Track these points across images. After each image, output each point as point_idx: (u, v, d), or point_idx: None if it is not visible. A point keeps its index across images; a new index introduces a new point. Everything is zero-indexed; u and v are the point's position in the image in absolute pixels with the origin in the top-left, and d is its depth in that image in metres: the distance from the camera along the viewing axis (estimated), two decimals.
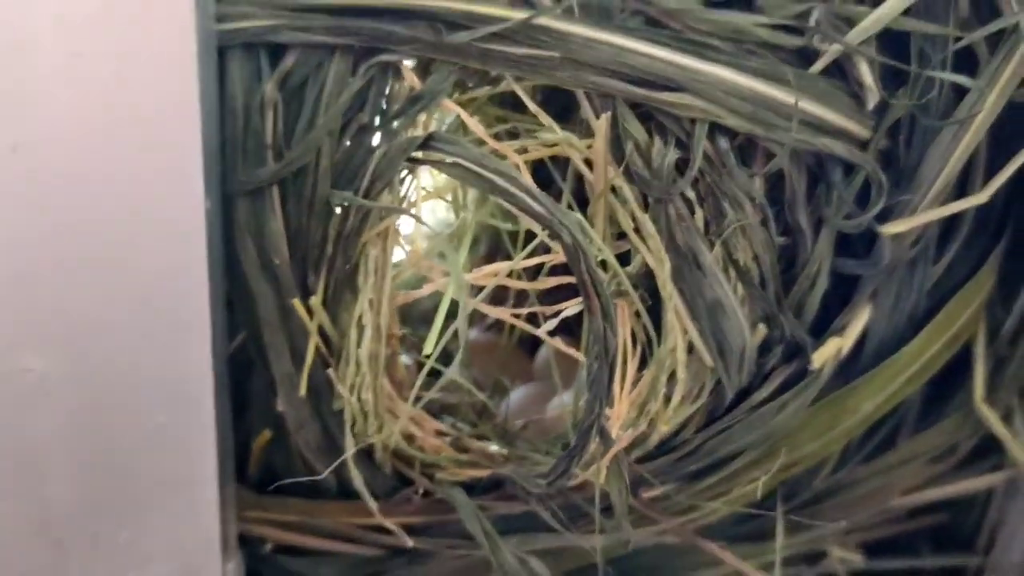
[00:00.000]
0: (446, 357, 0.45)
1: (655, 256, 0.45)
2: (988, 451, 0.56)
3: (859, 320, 0.50)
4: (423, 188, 0.46)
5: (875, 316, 0.50)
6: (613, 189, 0.44)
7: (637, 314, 0.46)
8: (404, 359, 0.53)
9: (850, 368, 0.51)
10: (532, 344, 0.67)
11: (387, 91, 0.44)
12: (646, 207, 0.45)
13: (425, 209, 0.48)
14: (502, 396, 0.57)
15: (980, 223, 0.51)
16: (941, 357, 0.52)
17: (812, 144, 0.45)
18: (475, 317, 0.66)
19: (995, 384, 0.53)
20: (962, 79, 0.45)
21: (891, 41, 0.47)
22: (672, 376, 0.47)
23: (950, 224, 0.50)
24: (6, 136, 0.37)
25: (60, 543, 0.41)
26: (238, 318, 0.46)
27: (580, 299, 0.44)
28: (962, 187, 0.49)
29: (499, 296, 0.56)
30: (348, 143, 0.43)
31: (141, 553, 0.42)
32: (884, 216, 0.48)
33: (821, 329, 0.50)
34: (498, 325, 0.67)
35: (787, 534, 0.54)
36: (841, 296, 0.50)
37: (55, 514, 0.41)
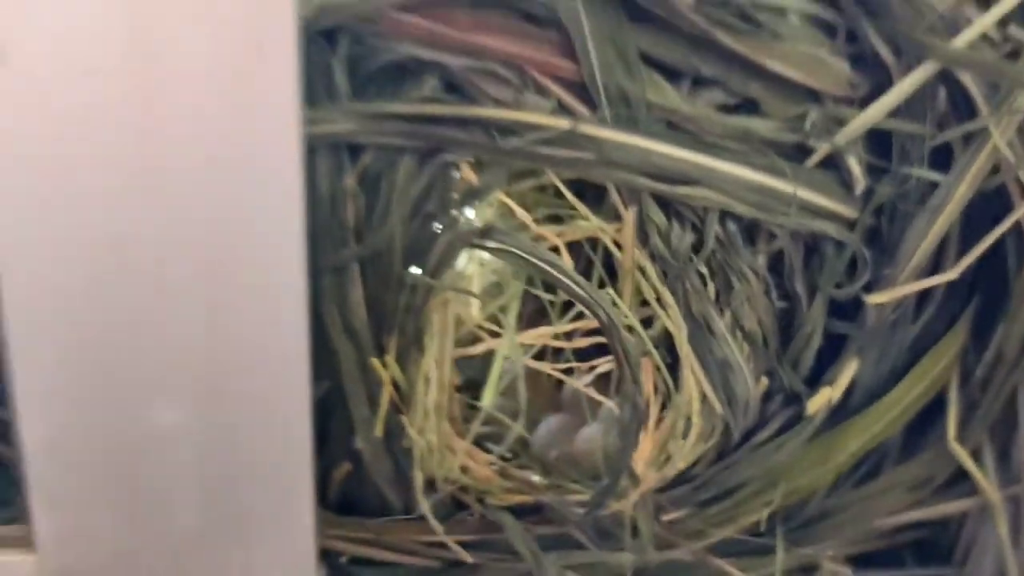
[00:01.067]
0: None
1: (674, 322, 0.53)
2: (962, 480, 0.65)
3: (847, 372, 0.58)
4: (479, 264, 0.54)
5: (861, 369, 0.58)
6: (640, 267, 0.53)
7: (658, 369, 0.55)
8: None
9: (840, 412, 0.59)
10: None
11: (449, 185, 0.52)
12: (666, 280, 0.53)
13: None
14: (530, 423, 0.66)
15: (953, 290, 0.59)
16: (918, 402, 0.60)
17: (808, 227, 0.54)
18: None
19: (966, 424, 0.62)
20: (933, 175, 0.53)
21: (878, 135, 0.55)
22: (688, 421, 0.56)
23: (926, 292, 0.59)
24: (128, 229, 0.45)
25: (185, 563, 0.50)
26: (321, 370, 0.55)
27: (608, 357, 0.52)
28: (937, 260, 0.58)
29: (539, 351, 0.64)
30: (417, 228, 0.52)
31: (251, 572, 0.51)
32: (871, 285, 0.56)
33: (815, 379, 0.59)
34: None
35: (785, 551, 0.63)
36: (833, 350, 0.59)
37: (181, 539, 0.50)
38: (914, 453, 0.63)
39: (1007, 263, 0.58)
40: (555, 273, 0.49)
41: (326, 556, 0.58)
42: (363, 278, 0.53)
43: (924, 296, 0.59)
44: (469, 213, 0.52)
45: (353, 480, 0.57)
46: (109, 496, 0.49)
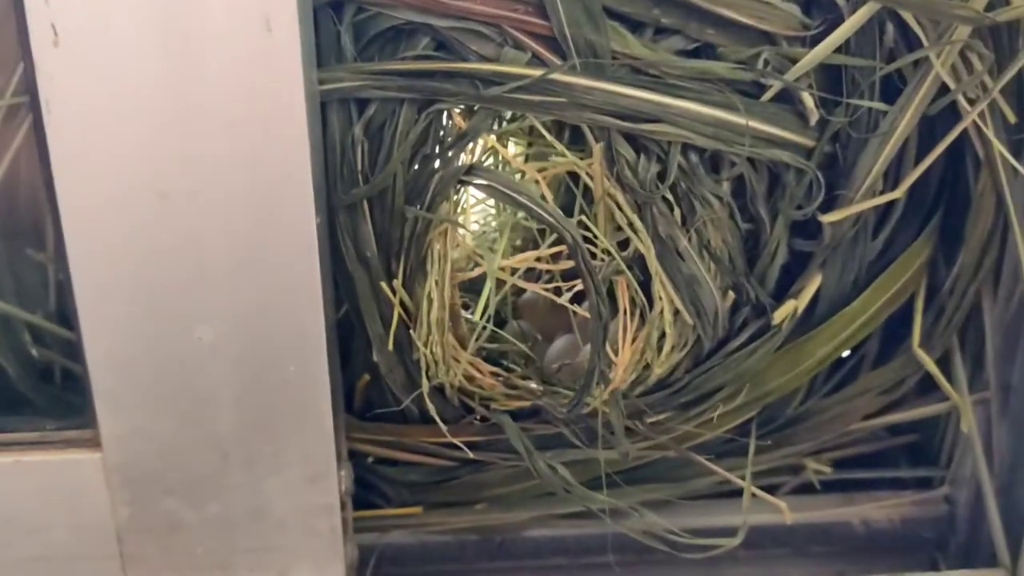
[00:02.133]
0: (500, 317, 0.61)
1: (644, 243, 0.60)
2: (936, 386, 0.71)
3: (812, 285, 0.64)
4: (474, 198, 0.62)
5: (825, 282, 0.64)
6: (611, 196, 0.60)
7: (634, 288, 0.62)
8: (467, 316, 0.69)
9: (807, 323, 0.66)
10: (576, 302, 0.82)
11: (443, 130, 0.59)
12: (637, 208, 0.60)
13: (477, 212, 0.64)
14: (543, 346, 0.74)
15: (915, 204, 0.64)
16: (883, 312, 0.66)
17: (763, 155, 0.60)
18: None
19: (934, 331, 0.67)
20: (879, 105, 0.59)
21: (831, 69, 0.60)
22: (662, 332, 0.63)
23: (886, 211, 0.64)
24: (183, 183, 0.54)
25: (226, 455, 0.60)
26: (342, 295, 0.63)
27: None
28: (896, 178, 0.63)
29: (535, 275, 0.72)
30: (416, 169, 0.60)
31: (281, 462, 0.60)
32: (829, 206, 0.62)
33: (782, 293, 0.65)
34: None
35: (768, 451, 0.70)
36: (799, 267, 0.65)
37: (222, 436, 0.59)
38: (886, 359, 0.69)
39: (967, 180, 0.63)
40: (526, 202, 0.56)
41: (354, 457, 0.67)
42: (372, 214, 0.61)
43: (884, 215, 0.64)
44: (460, 154, 0.59)
45: (374, 389, 0.66)
46: (162, 402, 0.58)
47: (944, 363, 0.69)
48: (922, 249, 0.65)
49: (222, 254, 0.56)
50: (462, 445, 0.65)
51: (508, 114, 0.61)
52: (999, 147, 0.60)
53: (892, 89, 0.60)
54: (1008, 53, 0.59)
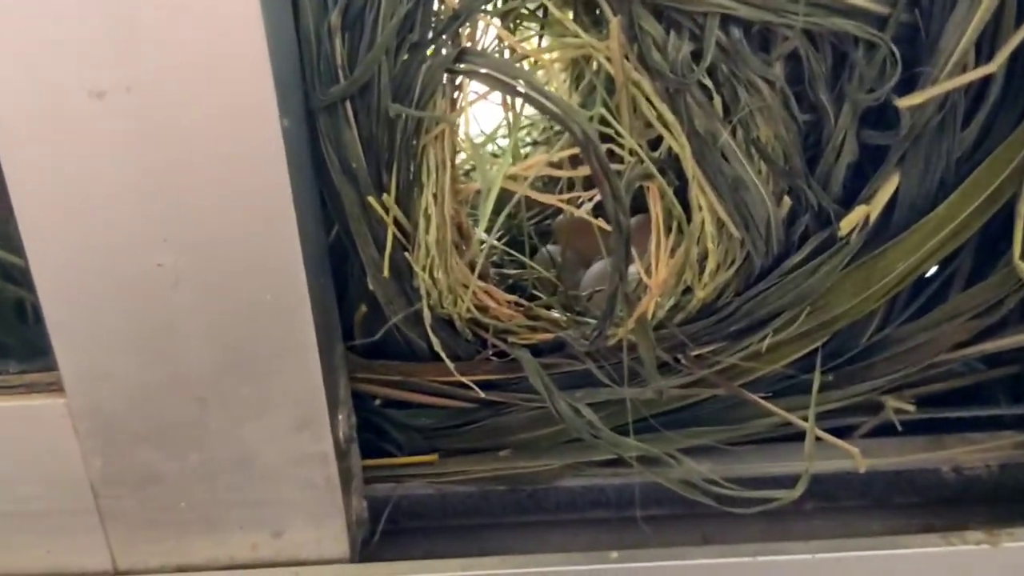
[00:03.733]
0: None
1: (678, 141, 0.50)
2: None
3: (888, 187, 0.53)
4: (474, 92, 0.52)
5: (904, 183, 0.53)
6: (636, 84, 0.50)
7: (665, 195, 0.52)
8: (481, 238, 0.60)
9: (882, 234, 0.54)
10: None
11: (430, 12, 0.50)
12: (668, 98, 0.50)
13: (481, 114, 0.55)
14: (575, 271, 0.64)
15: (1016, 85, 0.52)
16: (976, 218, 0.54)
17: (823, 25, 0.49)
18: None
19: None
20: None
21: None
22: (703, 247, 0.53)
23: (980, 91, 0.52)
24: (121, 79, 0.46)
25: (203, 399, 0.53)
26: (331, 214, 0.55)
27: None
28: (991, 52, 0.51)
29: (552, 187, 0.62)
30: (405, 60, 0.51)
31: (262, 405, 0.53)
32: (908, 88, 0.51)
33: (851, 199, 0.54)
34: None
35: (838, 388, 0.59)
36: (873, 165, 0.54)
37: (195, 377, 0.52)
38: (981, 276, 0.57)
39: None
40: (523, 90, 0.47)
41: (359, 398, 0.60)
42: (356, 117, 0.52)
43: (977, 96, 0.52)
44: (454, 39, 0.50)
45: (374, 322, 0.58)
46: (123, 338, 0.51)
47: None
48: (1022, 140, 0.53)
49: (175, 165, 0.48)
50: (472, 384, 0.56)
51: None
52: None
53: None
54: None
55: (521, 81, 0.47)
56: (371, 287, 0.55)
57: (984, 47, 0.51)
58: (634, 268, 0.65)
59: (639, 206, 0.55)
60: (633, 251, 0.65)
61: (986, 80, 0.52)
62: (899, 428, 0.61)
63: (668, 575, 0.56)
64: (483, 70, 0.47)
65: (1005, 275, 0.57)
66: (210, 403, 0.53)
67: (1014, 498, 0.63)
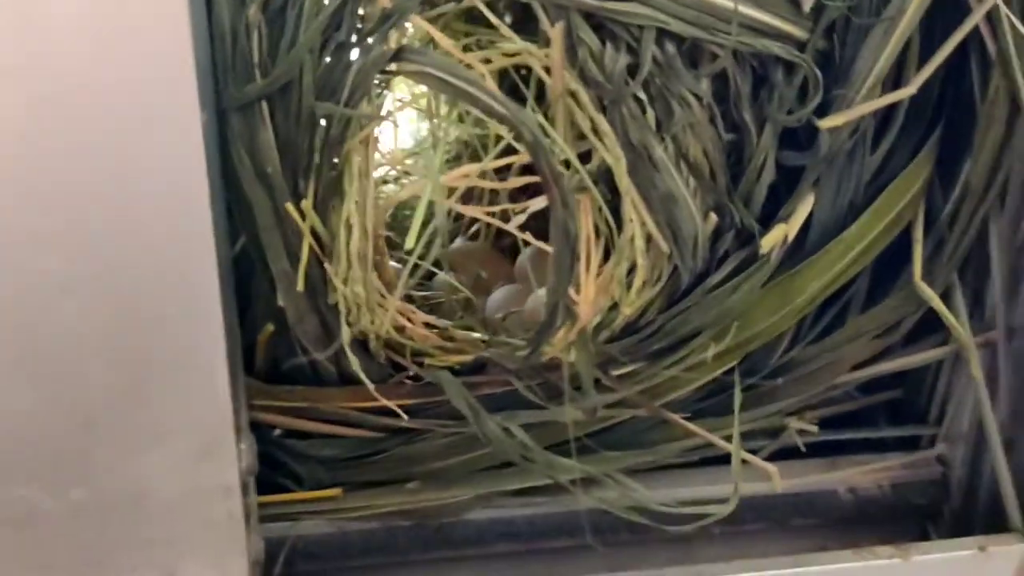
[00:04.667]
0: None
1: (611, 153, 0.49)
2: (933, 328, 0.61)
3: (803, 207, 0.54)
4: (399, 100, 0.50)
5: (818, 203, 0.55)
6: (572, 94, 0.49)
7: (599, 209, 0.51)
8: (392, 263, 0.58)
9: (797, 253, 0.56)
10: (512, 251, 0.71)
11: (360, 11, 0.48)
12: (603, 110, 0.49)
13: (404, 123, 0.52)
14: (483, 295, 0.62)
15: (915, 114, 0.55)
16: (882, 240, 0.56)
17: (752, 46, 0.50)
18: (459, 227, 0.71)
19: (933, 264, 0.58)
20: None
21: None
22: (632, 263, 0.52)
23: (887, 116, 0.55)
24: (12, 59, 0.41)
25: (92, 425, 0.47)
26: (238, 224, 0.51)
27: (543, 196, 0.48)
28: (896, 82, 0.54)
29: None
30: (328, 60, 0.48)
31: (162, 433, 0.47)
32: (824, 111, 0.52)
33: (769, 218, 0.55)
34: (477, 234, 0.72)
35: (747, 409, 0.60)
36: (788, 186, 0.55)
37: (84, 401, 0.46)
38: (881, 297, 0.59)
39: (971, 84, 0.54)
40: (474, 92, 0.45)
41: (257, 429, 0.55)
42: (272, 117, 0.48)
43: (884, 120, 0.55)
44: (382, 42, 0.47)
45: (280, 344, 0.54)
46: (8, 345, 0.45)
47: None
48: (924, 166, 0.56)
49: (72, 153, 0.43)
50: (396, 408, 0.53)
51: None
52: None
53: None
54: None
55: (469, 82, 0.45)
56: (281, 303, 0.51)
57: (888, 78, 0.53)
58: (540, 293, 0.64)
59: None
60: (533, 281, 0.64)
61: (892, 106, 0.54)
62: (803, 449, 0.62)
63: None
64: (427, 70, 0.45)
65: (903, 296, 0.59)
66: (100, 430, 0.47)
67: (906, 516, 0.65)
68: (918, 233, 0.57)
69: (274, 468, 0.57)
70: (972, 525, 0.64)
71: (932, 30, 0.53)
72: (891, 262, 0.59)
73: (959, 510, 0.65)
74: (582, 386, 0.51)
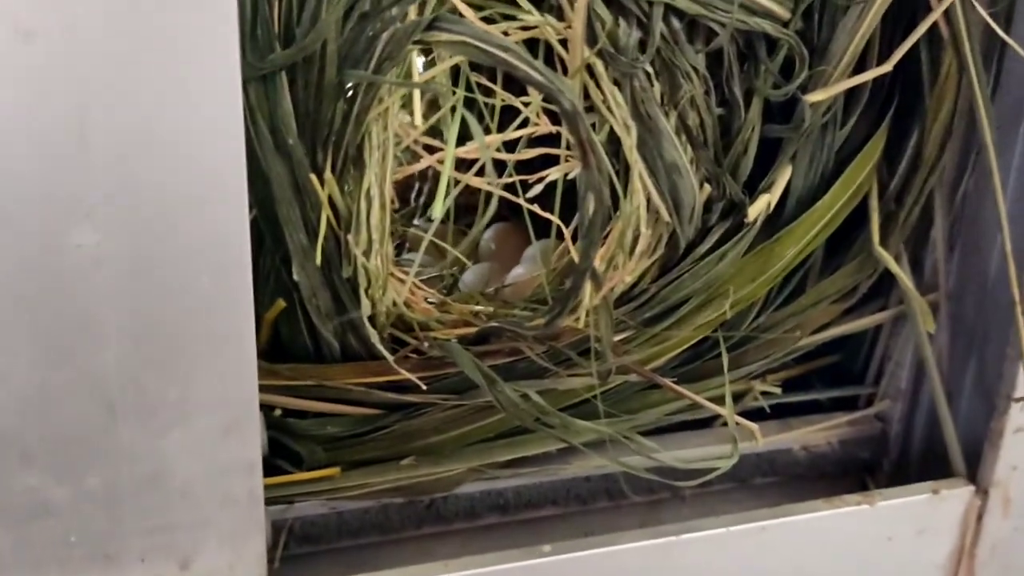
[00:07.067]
0: None
1: (621, 125, 0.51)
2: (877, 295, 0.67)
3: (782, 178, 0.58)
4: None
5: (794, 175, 0.58)
6: (588, 67, 0.50)
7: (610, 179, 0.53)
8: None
9: (775, 222, 0.59)
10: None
11: None
12: (616, 83, 0.51)
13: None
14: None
15: (875, 93, 0.60)
16: (845, 209, 0.61)
17: (747, 23, 0.53)
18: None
19: (884, 235, 0.63)
20: None
21: None
22: (636, 232, 0.54)
23: (851, 94, 0.59)
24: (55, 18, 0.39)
25: (111, 405, 0.45)
26: (251, 197, 0.49)
27: (558, 166, 0.50)
28: (861, 63, 0.58)
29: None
30: (352, 29, 0.48)
31: (187, 408, 0.46)
32: (804, 87, 0.56)
33: (751, 188, 0.58)
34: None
35: (719, 374, 0.63)
36: (767, 157, 0.59)
37: (105, 377, 0.44)
38: (838, 264, 0.64)
39: (920, 68, 0.60)
40: (513, 60, 0.46)
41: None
42: (292, 88, 0.48)
43: (850, 98, 0.59)
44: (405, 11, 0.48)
45: (283, 322, 0.53)
46: (20, 331, 0.42)
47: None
48: (880, 141, 0.61)
49: (115, 135, 0.41)
50: (416, 379, 0.53)
51: None
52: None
53: None
54: None
55: (507, 51, 0.46)
56: (296, 277, 0.51)
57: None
58: (518, 270, 0.65)
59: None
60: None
61: (854, 87, 0.58)
62: (767, 411, 0.66)
63: (601, 562, 0.56)
64: (465, 39, 0.46)
65: (860, 262, 0.64)
66: (121, 410, 0.45)
67: (855, 469, 0.70)
68: (874, 202, 0.62)
69: (272, 449, 0.56)
70: (908, 475, 0.70)
71: (888, 12, 0.58)
72: (842, 230, 0.64)
73: (896, 461, 0.71)
74: (600, 351, 0.53)
